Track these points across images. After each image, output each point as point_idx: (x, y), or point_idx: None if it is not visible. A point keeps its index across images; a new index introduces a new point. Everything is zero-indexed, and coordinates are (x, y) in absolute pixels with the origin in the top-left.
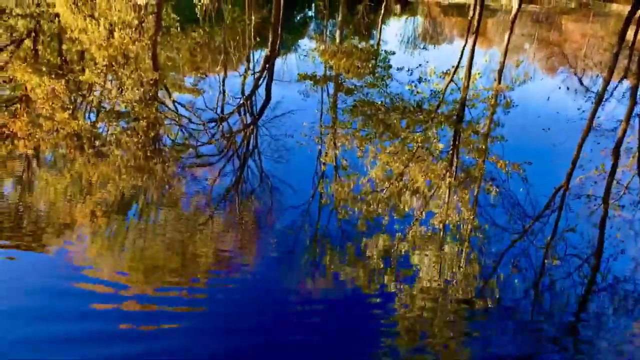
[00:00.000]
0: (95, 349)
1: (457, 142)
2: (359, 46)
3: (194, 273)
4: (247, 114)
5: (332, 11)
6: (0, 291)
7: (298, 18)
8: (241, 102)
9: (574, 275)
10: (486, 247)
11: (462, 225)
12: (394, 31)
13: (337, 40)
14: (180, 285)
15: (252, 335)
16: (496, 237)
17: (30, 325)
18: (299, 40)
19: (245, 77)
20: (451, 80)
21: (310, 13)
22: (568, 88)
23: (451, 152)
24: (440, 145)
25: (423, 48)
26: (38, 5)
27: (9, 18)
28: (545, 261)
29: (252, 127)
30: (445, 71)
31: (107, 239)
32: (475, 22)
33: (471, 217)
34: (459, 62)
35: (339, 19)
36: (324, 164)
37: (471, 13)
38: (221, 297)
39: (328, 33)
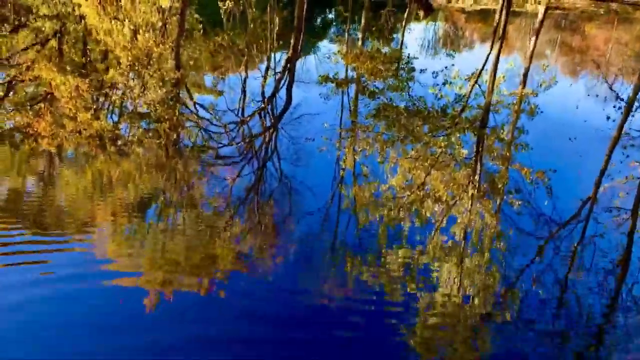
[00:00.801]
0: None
1: (480, 149)
2: (382, 50)
3: (213, 271)
4: (268, 116)
5: (353, 16)
6: (28, 285)
7: (319, 21)
8: (262, 104)
9: (601, 290)
10: (510, 258)
11: (485, 234)
12: (417, 36)
13: (359, 44)
14: (199, 282)
15: (267, 337)
16: (520, 248)
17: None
18: (321, 43)
19: (266, 79)
20: (475, 82)
21: (331, 16)
22: (597, 95)
23: (475, 158)
24: (464, 152)
25: (447, 53)
26: (64, 4)
27: (35, 20)
28: (571, 275)
29: (272, 129)
30: (469, 74)
31: (126, 236)
32: (500, 28)
33: (495, 227)
34: (483, 67)
35: (362, 22)
36: (344, 168)
37: (496, 18)
38: (239, 296)
39: (350, 36)
